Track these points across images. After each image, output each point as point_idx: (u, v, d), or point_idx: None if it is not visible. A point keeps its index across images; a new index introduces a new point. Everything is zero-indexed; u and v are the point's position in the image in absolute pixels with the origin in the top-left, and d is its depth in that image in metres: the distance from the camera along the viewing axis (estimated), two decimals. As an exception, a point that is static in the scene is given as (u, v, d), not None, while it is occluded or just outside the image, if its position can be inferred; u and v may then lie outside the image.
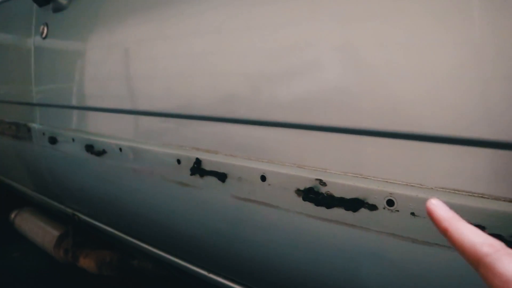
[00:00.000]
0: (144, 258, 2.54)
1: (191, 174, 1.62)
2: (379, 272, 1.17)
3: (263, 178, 1.36)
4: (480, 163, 0.96)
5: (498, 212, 0.94)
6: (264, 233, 1.45)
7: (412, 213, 1.05)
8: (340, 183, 1.17)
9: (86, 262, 2.79)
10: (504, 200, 0.94)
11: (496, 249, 0.43)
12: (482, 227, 0.97)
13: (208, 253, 1.78)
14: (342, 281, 1.29)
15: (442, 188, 1.01)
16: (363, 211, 1.14)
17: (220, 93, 1.48)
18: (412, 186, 1.05)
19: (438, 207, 0.52)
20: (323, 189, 1.20)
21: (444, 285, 1.07)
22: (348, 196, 1.16)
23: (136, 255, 2.63)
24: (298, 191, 1.27)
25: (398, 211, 1.08)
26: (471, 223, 1.07)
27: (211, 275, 1.86)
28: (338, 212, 1.19)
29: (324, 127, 1.19)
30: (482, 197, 0.97)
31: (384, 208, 1.10)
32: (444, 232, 0.51)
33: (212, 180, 1.54)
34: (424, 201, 0.99)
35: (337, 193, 1.18)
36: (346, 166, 1.16)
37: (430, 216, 0.53)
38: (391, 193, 1.08)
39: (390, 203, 1.09)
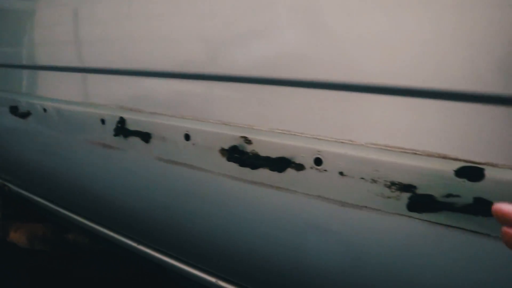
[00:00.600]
0: (79, 231, 2.35)
1: (115, 135, 1.45)
2: (307, 237, 1.05)
3: (187, 137, 1.21)
4: (412, 116, 0.84)
5: (430, 171, 0.83)
6: (189, 198, 1.30)
7: (341, 173, 0.93)
8: (266, 140, 1.03)
9: (17, 236, 2.58)
10: (437, 157, 0.82)
11: None
12: (413, 187, 0.85)
13: (136, 223, 1.63)
14: (269, 246, 1.16)
15: (373, 144, 0.88)
16: (290, 171, 1.01)
17: (140, 45, 1.31)
18: (342, 142, 0.92)
19: (502, 205, 0.53)
20: (249, 148, 1.06)
21: (373, 250, 0.96)
22: (274, 155, 1.02)
23: (70, 228, 2.44)
24: (223, 151, 1.12)
25: (326, 170, 0.95)
26: (401, 183, 0.96)
27: (141, 247, 1.70)
28: (264, 174, 1.05)
29: (247, 78, 1.04)
30: (414, 153, 0.85)
31: (311, 168, 0.97)
32: None
33: (136, 141, 1.38)
34: (354, 159, 0.87)
35: (262, 152, 1.04)
36: (273, 122, 1.02)
37: (499, 216, 0.55)
38: (319, 151, 0.95)
39: (318, 161, 0.95)
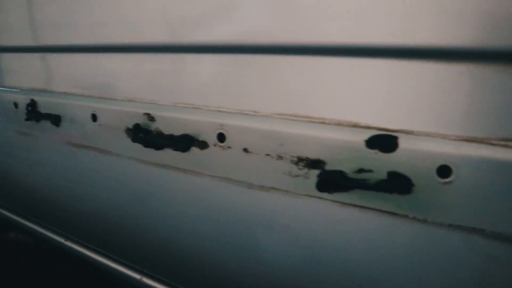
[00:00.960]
0: (19, 229, 2.18)
1: (27, 119, 1.28)
2: (215, 222, 0.90)
3: (94, 118, 1.05)
4: (317, 80, 0.70)
5: (339, 142, 0.69)
6: (101, 186, 1.15)
7: (245, 149, 0.78)
8: (169, 116, 0.88)
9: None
10: (347, 126, 0.68)
11: None
12: (321, 163, 0.70)
13: (59, 216, 1.47)
14: (180, 234, 1.01)
15: (279, 114, 0.73)
16: (194, 151, 0.86)
17: (44, 20, 1.15)
18: (245, 114, 0.77)
19: None
20: (153, 126, 0.90)
21: (282, 236, 0.82)
22: (177, 132, 0.86)
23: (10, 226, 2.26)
24: (128, 131, 0.97)
25: (230, 147, 0.80)
26: (309, 158, 0.81)
27: (68, 243, 1.54)
28: (168, 155, 0.89)
29: (144, 47, 0.88)
30: (322, 122, 0.70)
31: (215, 145, 0.82)
32: None
33: (47, 125, 1.21)
34: (257, 132, 0.73)
35: (166, 130, 0.88)
36: (176, 95, 0.87)
37: None
38: (221, 125, 0.80)
39: (221, 137, 0.81)
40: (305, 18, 0.69)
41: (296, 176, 0.76)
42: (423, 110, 0.64)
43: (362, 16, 0.64)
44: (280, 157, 0.76)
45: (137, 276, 1.17)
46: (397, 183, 0.67)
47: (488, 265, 0.65)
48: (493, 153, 0.61)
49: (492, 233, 0.63)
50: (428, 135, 0.65)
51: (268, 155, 0.78)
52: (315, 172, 0.74)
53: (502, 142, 0.61)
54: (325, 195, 0.74)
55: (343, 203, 0.73)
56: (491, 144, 0.61)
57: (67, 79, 1.12)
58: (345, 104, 0.70)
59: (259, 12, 0.73)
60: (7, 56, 1.31)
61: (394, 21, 0.62)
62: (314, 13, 0.67)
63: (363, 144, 0.68)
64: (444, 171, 0.64)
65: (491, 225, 0.62)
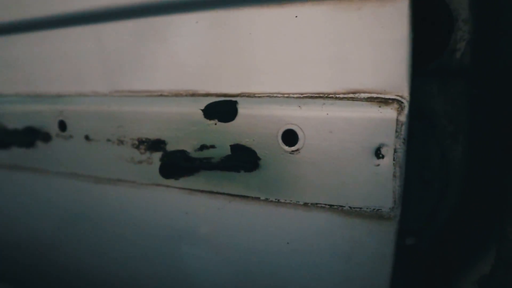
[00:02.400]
0: None
1: None
2: (69, 226, 0.74)
3: None
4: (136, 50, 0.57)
5: (178, 116, 0.56)
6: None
7: (87, 137, 0.62)
8: (11, 109, 0.71)
9: None
10: (185, 95, 0.54)
11: None
12: (162, 143, 0.56)
13: None
14: (36, 242, 0.84)
15: (117, 91, 0.59)
16: (40, 145, 0.69)
17: None
18: (84, 95, 0.62)
19: None
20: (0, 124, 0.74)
21: (137, 232, 0.67)
22: (21, 126, 0.70)
23: None
24: None
25: (72, 136, 0.64)
26: (149, 139, 0.67)
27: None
28: (15, 153, 0.73)
29: None
30: (161, 95, 0.56)
31: (57, 136, 0.66)
32: None
33: None
34: (96, 114, 0.61)
35: (10, 124, 0.72)
36: (18, 83, 0.71)
37: None
38: (62, 111, 0.64)
39: (62, 126, 0.65)
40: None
41: (139, 162, 0.61)
42: (263, 69, 0.51)
43: None
44: (121, 142, 0.62)
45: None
46: (242, 158, 0.53)
47: (351, 244, 0.51)
48: (339, 108, 0.47)
49: (352, 209, 0.49)
50: (270, 96, 0.51)
51: (109, 140, 0.63)
52: (157, 156, 0.59)
53: (349, 95, 0.47)
54: (172, 182, 0.59)
55: (192, 190, 0.59)
56: (337, 98, 0.48)
57: None
58: (182, 71, 0.56)
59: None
60: None
61: None
62: None
63: (201, 114, 0.54)
64: (290, 137, 0.50)
65: (349, 200, 0.49)
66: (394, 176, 0.47)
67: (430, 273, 0.65)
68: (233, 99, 0.54)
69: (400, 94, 0.46)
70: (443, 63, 0.62)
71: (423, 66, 0.62)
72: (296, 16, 0.49)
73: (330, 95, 0.49)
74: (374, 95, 0.47)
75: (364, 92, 0.48)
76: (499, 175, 0.56)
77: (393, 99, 0.46)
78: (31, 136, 0.72)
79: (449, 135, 0.63)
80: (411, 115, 0.46)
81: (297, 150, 0.51)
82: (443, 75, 0.62)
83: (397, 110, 0.46)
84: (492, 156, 0.59)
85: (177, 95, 0.58)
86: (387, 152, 0.47)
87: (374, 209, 0.50)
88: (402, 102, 0.45)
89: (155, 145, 0.60)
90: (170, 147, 0.58)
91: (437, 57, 0.61)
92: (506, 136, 0.56)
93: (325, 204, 0.52)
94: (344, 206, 0.51)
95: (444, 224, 0.64)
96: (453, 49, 0.61)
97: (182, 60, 0.57)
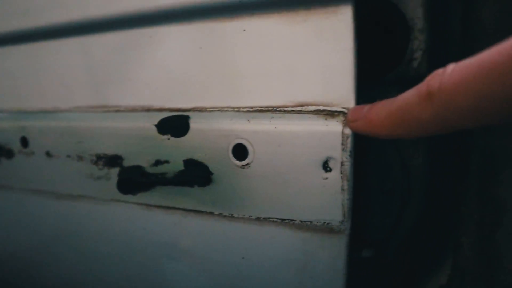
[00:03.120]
0: None
1: None
2: (33, 244, 0.73)
3: None
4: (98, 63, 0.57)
5: (133, 132, 0.55)
6: None
7: (48, 153, 0.62)
8: None
9: None
10: (140, 110, 0.53)
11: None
12: (119, 158, 0.55)
13: None
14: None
15: (77, 107, 0.58)
16: (3, 162, 0.69)
17: None
18: (47, 111, 0.62)
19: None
20: None
21: (96, 249, 0.65)
22: None
23: None
24: None
25: (33, 153, 0.64)
26: (107, 155, 0.66)
27: None
28: None
29: None
30: (117, 110, 0.55)
31: (20, 152, 0.66)
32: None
33: None
34: (57, 130, 0.61)
35: None
36: None
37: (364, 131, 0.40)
38: (24, 127, 0.64)
39: (24, 142, 0.65)
40: None
41: (98, 178, 0.60)
42: (214, 83, 0.51)
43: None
44: (80, 158, 0.61)
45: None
46: (195, 173, 0.52)
47: (304, 257, 0.50)
48: (287, 122, 0.46)
49: (302, 223, 0.49)
50: (220, 110, 0.50)
51: (69, 156, 0.62)
52: (115, 171, 0.58)
53: (297, 108, 0.47)
54: (130, 197, 0.58)
55: (148, 205, 0.58)
56: (285, 111, 0.47)
57: None
58: (138, 86, 0.55)
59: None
60: None
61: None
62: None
63: (155, 130, 0.53)
64: (240, 151, 0.49)
65: (300, 214, 0.48)
66: (342, 189, 0.46)
67: (392, 284, 0.64)
68: (186, 113, 0.53)
69: (346, 106, 0.46)
70: (401, 72, 0.61)
71: (382, 76, 0.62)
72: (244, 30, 0.49)
73: (279, 109, 0.49)
74: (321, 108, 0.47)
75: (311, 105, 0.47)
76: (455, 183, 0.55)
77: (339, 112, 0.46)
78: (-6, 153, 0.71)
79: (409, 144, 0.62)
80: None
81: (248, 164, 0.50)
82: (401, 84, 0.61)
83: (343, 123, 0.45)
84: (449, 164, 0.58)
85: (133, 110, 0.57)
86: (334, 165, 0.46)
87: (324, 222, 0.49)
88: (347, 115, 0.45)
89: (113, 160, 0.59)
90: (126, 163, 0.58)
91: (396, 66, 0.61)
92: (459, 144, 0.55)
93: (277, 219, 0.51)
94: (295, 220, 0.50)
95: (407, 234, 0.63)
96: (411, 58, 0.60)
97: (137, 75, 0.56)
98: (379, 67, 0.62)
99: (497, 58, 0.25)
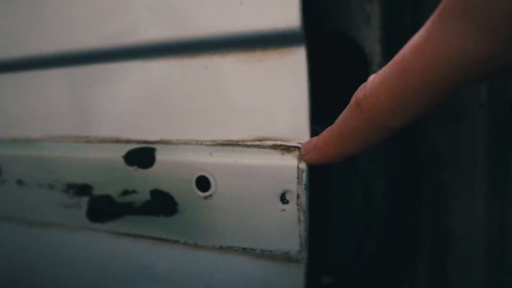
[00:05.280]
0: None
1: None
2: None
3: None
4: (74, 95, 0.60)
5: (102, 162, 0.58)
6: None
7: (19, 181, 0.63)
8: None
9: None
10: (110, 141, 0.55)
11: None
12: (89, 188, 0.57)
13: None
14: None
15: (50, 137, 0.60)
16: None
17: None
18: (16, 140, 0.64)
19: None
20: None
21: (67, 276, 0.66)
22: None
23: None
24: None
25: (6, 180, 0.65)
26: (77, 184, 0.68)
27: None
28: None
29: None
30: (87, 141, 0.57)
31: None
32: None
33: None
34: (29, 159, 0.63)
35: None
36: None
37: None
38: None
39: None
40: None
41: (69, 206, 0.62)
42: (179, 117, 0.53)
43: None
44: (51, 186, 0.63)
45: None
46: (161, 203, 0.54)
47: (264, 285, 0.52)
48: (247, 156, 0.49)
49: (263, 252, 0.51)
50: (185, 143, 0.53)
51: (40, 185, 0.64)
52: (85, 200, 0.60)
53: (256, 143, 0.49)
54: (99, 225, 0.60)
55: (117, 233, 0.60)
56: (245, 145, 0.50)
57: None
58: (106, 118, 0.58)
59: None
60: None
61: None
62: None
63: (122, 161, 0.56)
64: (203, 183, 0.52)
65: (260, 243, 0.50)
66: (299, 220, 0.49)
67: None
68: (152, 145, 0.55)
69: (301, 141, 0.48)
70: (362, 104, 0.64)
71: (343, 106, 0.65)
72: (206, 67, 0.52)
73: (239, 143, 0.51)
74: (278, 143, 0.49)
75: (269, 140, 0.50)
76: (410, 211, 0.58)
77: (295, 147, 0.49)
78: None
79: (371, 172, 0.65)
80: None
81: (210, 195, 0.52)
82: (362, 116, 0.64)
83: (298, 158, 0.48)
84: (406, 193, 0.61)
85: (102, 141, 0.59)
86: (291, 197, 0.48)
87: (283, 252, 0.51)
88: (303, 149, 0.47)
89: (83, 189, 0.61)
90: (96, 192, 0.60)
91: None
92: (414, 174, 0.58)
93: (239, 247, 0.53)
94: (256, 249, 0.52)
95: (370, 260, 0.66)
96: (370, 91, 0.63)
97: (106, 107, 0.58)
98: (340, 98, 0.65)
99: (401, 57, 0.28)
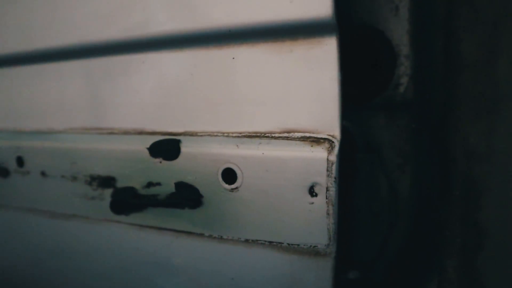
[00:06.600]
0: None
1: None
2: (27, 261, 0.74)
3: None
4: (99, 87, 0.60)
5: (126, 154, 0.57)
6: None
7: (43, 173, 0.63)
8: None
9: None
10: (133, 133, 0.55)
11: None
12: (112, 180, 0.57)
13: None
14: None
15: (72, 128, 0.60)
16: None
17: None
18: (40, 132, 0.64)
19: None
20: None
21: (90, 268, 0.67)
22: None
23: None
24: None
25: (29, 172, 0.65)
26: (101, 176, 0.67)
27: None
28: None
29: None
30: (111, 133, 0.57)
31: (15, 171, 0.67)
32: None
33: None
34: (52, 151, 0.65)
35: None
36: None
37: None
38: (19, 147, 0.65)
39: (20, 162, 0.66)
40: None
41: (92, 198, 0.62)
42: (205, 108, 0.52)
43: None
44: (74, 178, 0.63)
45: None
46: (186, 196, 0.54)
47: (291, 279, 0.51)
48: (274, 148, 0.48)
49: (290, 246, 0.50)
50: (210, 135, 0.52)
51: (63, 176, 0.64)
52: (108, 192, 0.60)
53: (284, 134, 0.48)
54: (122, 217, 0.59)
55: (141, 226, 0.59)
56: (273, 137, 0.49)
57: None
58: (131, 109, 0.57)
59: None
60: None
61: None
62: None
63: (147, 153, 0.55)
64: (229, 175, 0.51)
65: (287, 237, 0.50)
66: (328, 214, 0.48)
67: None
68: (177, 137, 0.55)
69: (331, 133, 0.47)
70: (388, 97, 0.63)
71: (369, 100, 0.63)
72: (234, 58, 0.51)
73: (266, 135, 0.50)
74: (307, 135, 0.48)
75: (298, 132, 0.49)
76: (439, 207, 0.56)
77: (325, 139, 0.47)
78: (-9, 172, 0.73)
79: (396, 167, 0.64)
80: (340, 154, 0.47)
81: (236, 188, 0.51)
82: (389, 109, 0.63)
83: (328, 150, 0.47)
84: (434, 188, 0.60)
85: (126, 133, 0.59)
86: (320, 190, 0.47)
87: (310, 245, 0.50)
88: (332, 142, 0.46)
89: (106, 182, 0.60)
90: (120, 184, 0.59)
91: (382, 91, 0.63)
92: (443, 170, 0.57)
93: (265, 241, 0.52)
94: (283, 243, 0.51)
95: (395, 255, 0.64)
96: (397, 83, 0.62)
97: (130, 99, 0.58)
98: (366, 92, 0.63)
99: None
